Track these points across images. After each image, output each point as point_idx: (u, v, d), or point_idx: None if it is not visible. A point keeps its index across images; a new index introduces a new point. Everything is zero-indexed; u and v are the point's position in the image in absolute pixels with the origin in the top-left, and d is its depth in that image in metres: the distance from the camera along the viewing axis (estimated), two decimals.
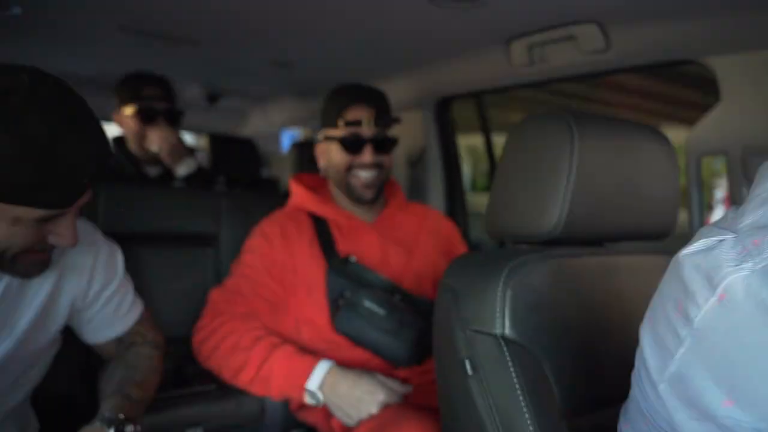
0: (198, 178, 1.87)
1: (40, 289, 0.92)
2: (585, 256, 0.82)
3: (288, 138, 3.32)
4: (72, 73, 2.29)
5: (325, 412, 1.21)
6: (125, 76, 1.79)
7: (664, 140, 0.84)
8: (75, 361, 1.24)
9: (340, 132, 1.34)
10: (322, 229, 1.37)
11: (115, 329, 1.07)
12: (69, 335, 1.16)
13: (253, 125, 3.35)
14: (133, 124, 1.73)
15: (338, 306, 1.27)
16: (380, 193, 1.41)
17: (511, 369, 0.68)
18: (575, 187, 0.74)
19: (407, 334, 1.24)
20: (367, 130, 1.32)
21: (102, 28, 1.56)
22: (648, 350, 0.52)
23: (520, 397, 0.66)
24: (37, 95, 0.71)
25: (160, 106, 1.75)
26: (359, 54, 1.69)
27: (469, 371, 0.71)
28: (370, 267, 1.34)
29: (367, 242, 1.39)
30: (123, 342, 1.08)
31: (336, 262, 1.32)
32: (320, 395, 1.13)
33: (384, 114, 1.35)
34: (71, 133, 0.72)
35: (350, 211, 1.42)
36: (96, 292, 1.02)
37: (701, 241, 0.49)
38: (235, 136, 2.14)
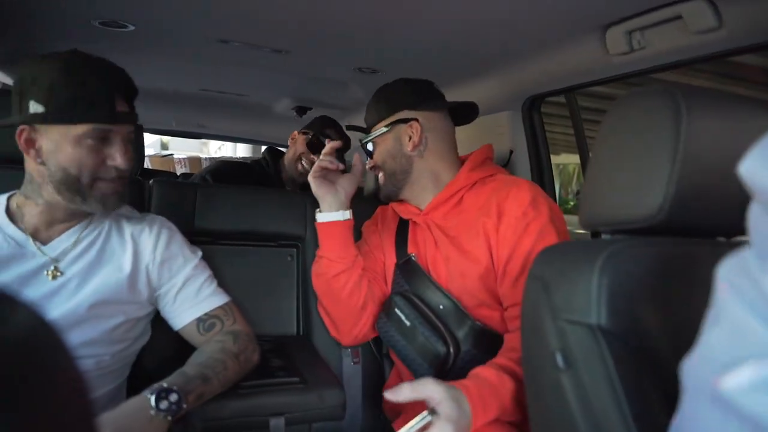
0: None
1: (126, 246, 1.10)
2: (699, 245, 0.72)
3: None
4: (174, 89, 2.50)
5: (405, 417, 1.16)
6: (323, 117, 2.23)
7: None
8: (163, 347, 1.30)
9: None
10: (404, 223, 1.35)
11: (196, 310, 1.13)
12: (158, 325, 1.23)
13: None
14: (301, 146, 2.13)
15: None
16: (394, 190, 1.30)
17: (609, 362, 0.60)
18: (682, 169, 0.65)
19: (427, 356, 1.10)
20: None
21: (202, 41, 1.67)
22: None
23: (619, 393, 0.58)
24: (84, 57, 0.98)
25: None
26: (440, 57, 1.66)
27: (561, 365, 0.64)
28: (424, 265, 1.24)
29: (422, 236, 1.28)
30: (203, 323, 1.13)
31: (402, 259, 1.29)
32: None
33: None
34: (98, 67, 0.97)
35: (414, 204, 1.33)
36: (171, 265, 1.13)
37: None
38: None
